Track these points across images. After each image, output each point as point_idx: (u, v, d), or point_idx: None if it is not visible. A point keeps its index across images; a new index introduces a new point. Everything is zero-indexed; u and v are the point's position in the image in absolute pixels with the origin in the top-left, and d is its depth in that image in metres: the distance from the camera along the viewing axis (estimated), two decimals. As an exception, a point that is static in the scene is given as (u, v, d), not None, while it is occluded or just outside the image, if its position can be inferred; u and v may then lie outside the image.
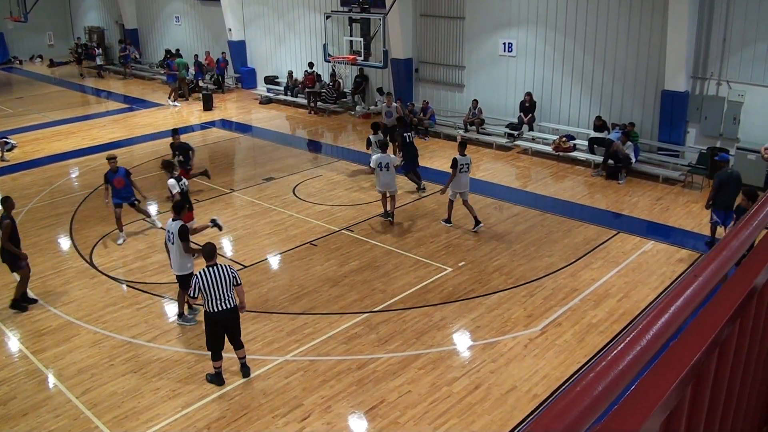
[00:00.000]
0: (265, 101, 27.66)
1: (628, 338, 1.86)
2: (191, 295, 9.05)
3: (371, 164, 14.85)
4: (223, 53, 30.16)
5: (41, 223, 15.68)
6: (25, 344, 10.73)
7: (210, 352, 9.38)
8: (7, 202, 11.71)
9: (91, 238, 14.58)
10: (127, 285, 12.54)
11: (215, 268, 9.06)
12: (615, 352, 1.84)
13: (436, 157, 19.68)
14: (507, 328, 10.62)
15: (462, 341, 10.37)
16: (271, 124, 24.31)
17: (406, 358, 9.93)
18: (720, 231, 13.00)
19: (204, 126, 24.42)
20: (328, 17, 22.40)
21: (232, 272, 9.11)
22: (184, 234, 10.45)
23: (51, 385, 9.70)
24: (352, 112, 25.11)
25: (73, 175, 19.42)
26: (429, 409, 8.76)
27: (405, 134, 16.71)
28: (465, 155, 14.25)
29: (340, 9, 23.74)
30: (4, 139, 21.70)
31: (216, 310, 9.02)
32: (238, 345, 9.47)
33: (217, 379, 9.42)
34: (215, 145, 22.24)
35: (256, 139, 22.75)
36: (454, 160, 14.01)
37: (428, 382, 9.30)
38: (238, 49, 29.94)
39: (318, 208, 15.87)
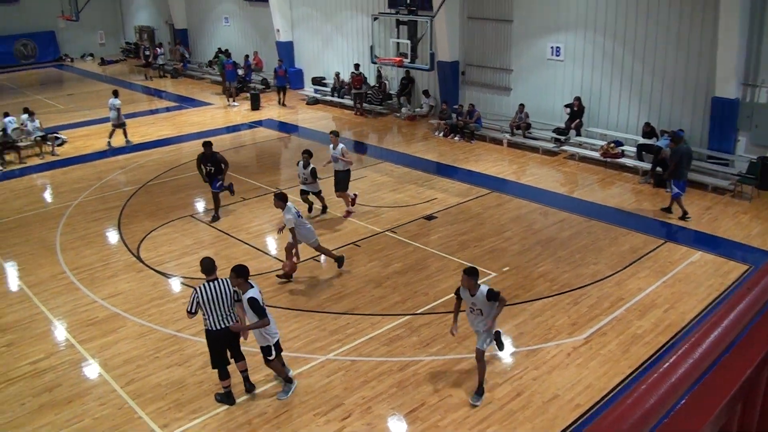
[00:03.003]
0: (312, 102, 27.83)
1: (680, 351, 1.80)
2: (188, 310, 8.56)
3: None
4: (254, 52, 30.85)
5: (90, 217, 15.98)
6: (72, 334, 10.95)
7: (216, 371, 8.98)
8: None
9: (139, 232, 14.81)
10: (177, 280, 12.70)
11: (215, 282, 8.63)
12: (666, 365, 1.77)
13: (481, 160, 19.56)
14: (550, 336, 10.48)
15: (504, 347, 10.26)
16: (317, 124, 24.44)
17: (448, 362, 9.86)
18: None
19: (251, 125, 24.65)
20: (375, 19, 22.42)
21: (233, 289, 8.69)
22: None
23: (96, 375, 9.88)
24: (398, 114, 25.11)
25: (121, 171, 19.76)
26: (470, 414, 8.68)
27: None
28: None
29: (387, 11, 23.77)
30: (55, 135, 22.20)
31: (217, 327, 8.60)
32: (238, 357, 9.08)
33: (227, 398, 9.03)
34: (262, 145, 22.45)
35: (302, 139, 22.89)
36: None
37: (469, 387, 9.21)
38: (286, 49, 30.19)
39: (362, 208, 15.87)
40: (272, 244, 14.25)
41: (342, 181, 15.37)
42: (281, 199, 11.89)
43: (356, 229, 14.77)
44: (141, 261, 13.51)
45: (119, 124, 22.18)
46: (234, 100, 28.15)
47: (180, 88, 32.22)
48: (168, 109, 27.69)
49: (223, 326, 8.60)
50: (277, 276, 12.51)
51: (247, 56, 31.45)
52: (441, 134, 22.37)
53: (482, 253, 13.41)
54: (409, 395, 9.09)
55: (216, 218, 15.44)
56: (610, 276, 12.38)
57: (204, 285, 8.59)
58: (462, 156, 20.10)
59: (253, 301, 8.41)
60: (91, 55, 42.55)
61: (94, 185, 18.31)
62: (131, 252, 13.95)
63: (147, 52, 36.09)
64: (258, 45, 32.23)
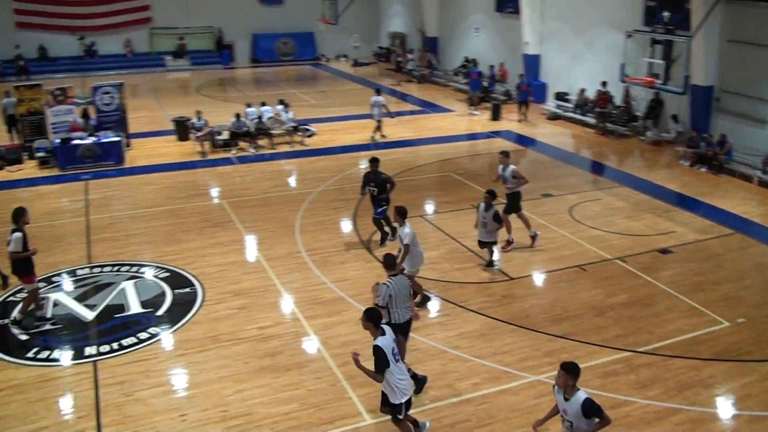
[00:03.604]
0: (553, 117, 27.37)
1: None
2: (379, 303, 8.87)
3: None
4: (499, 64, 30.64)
5: (330, 205, 17.02)
6: (300, 308, 11.78)
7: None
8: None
9: (371, 226, 15.42)
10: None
11: (397, 277, 9.17)
12: None
13: (727, 197, 17.98)
14: (784, 403, 9.35)
15: (726, 407, 9.32)
16: (555, 140, 23.98)
17: (665, 409, 9.16)
18: None
19: (489, 135, 24.78)
20: (629, 36, 21.52)
21: (408, 283, 9.16)
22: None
23: (315, 350, 10.56)
24: (642, 138, 23.86)
25: (363, 167, 20.75)
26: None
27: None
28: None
29: (642, 28, 22.68)
30: (305, 126, 23.88)
31: (403, 320, 9.14)
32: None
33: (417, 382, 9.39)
34: (497, 155, 22.40)
35: (538, 153, 22.59)
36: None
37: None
38: (533, 63, 29.97)
39: (593, 232, 15.30)
40: (494, 254, 14.17)
41: (512, 203, 14.38)
42: (401, 215, 11.34)
43: (584, 252, 14.26)
44: (370, 252, 14.13)
45: (381, 120, 23.53)
46: (475, 109, 28.48)
47: (425, 93, 33.24)
48: (412, 113, 28.66)
49: (405, 319, 9.16)
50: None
51: (492, 66, 31.66)
52: (687, 163, 20.89)
53: (717, 299, 12.30)
54: (619, 435, 8.58)
55: (385, 240, 14.54)
56: None
57: (392, 280, 9.05)
58: (707, 189, 18.63)
59: (376, 350, 7.72)
60: (345, 56, 45.34)
61: (336, 176, 19.46)
62: (362, 243, 14.63)
63: (399, 58, 37.58)
64: (504, 56, 32.32)
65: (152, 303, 12.09)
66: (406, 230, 11.14)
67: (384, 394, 7.99)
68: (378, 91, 24.11)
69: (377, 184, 13.90)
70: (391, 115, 24.23)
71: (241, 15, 42.75)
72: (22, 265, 11.04)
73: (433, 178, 19.60)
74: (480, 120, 27.29)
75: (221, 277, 13.05)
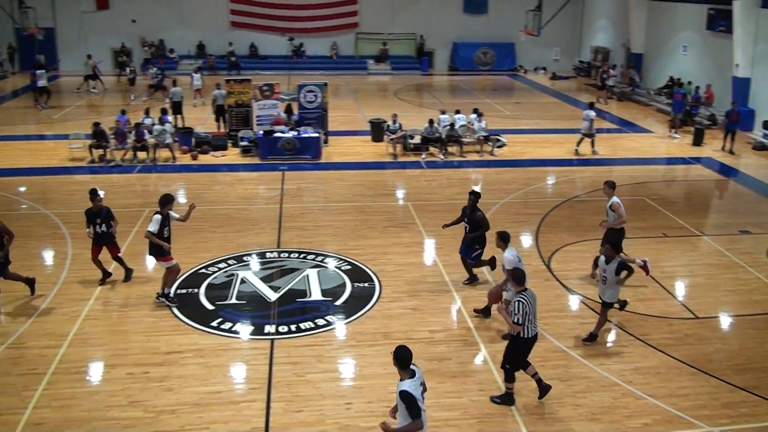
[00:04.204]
0: (759, 147, 25.14)
1: None
2: (516, 321, 8.86)
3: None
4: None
5: (512, 218, 16.77)
6: (472, 318, 11.71)
7: (504, 372, 9.37)
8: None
9: (554, 243, 15.05)
10: (578, 298, 12.65)
11: (528, 292, 9.09)
12: None
13: None
14: None
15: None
16: (760, 172, 21.97)
17: None
18: None
19: (688, 161, 23.25)
20: None
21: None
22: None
23: (482, 361, 10.47)
24: None
25: (550, 182, 20.30)
26: None
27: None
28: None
29: None
30: (497, 137, 23.71)
31: (531, 334, 9.10)
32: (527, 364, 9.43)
33: (508, 399, 9.40)
34: (695, 183, 21.04)
35: (740, 185, 20.86)
36: None
37: None
38: (741, 86, 27.71)
39: (798, 276, 13.88)
40: (681, 289, 13.27)
41: (608, 240, 12.43)
42: (503, 240, 11.01)
43: (786, 296, 12.94)
44: (550, 270, 13.74)
45: (589, 134, 23.10)
46: (676, 132, 26.84)
47: (624, 111, 31.84)
48: (608, 131, 27.52)
49: (533, 334, 9.11)
50: (475, 310, 11.89)
51: (697, 88, 29.68)
52: None
53: None
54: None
55: (471, 280, 13.12)
56: None
57: (524, 295, 8.98)
58: None
59: (406, 397, 6.90)
60: (544, 69, 44.55)
61: (522, 189, 19.16)
62: (542, 260, 14.28)
63: (604, 74, 36.19)
64: (712, 78, 30.15)
65: (332, 292, 12.55)
66: (507, 256, 10.80)
67: None
68: (591, 105, 23.69)
69: (470, 222, 12.59)
70: (591, 134, 23.43)
71: (444, 23, 43.38)
72: (157, 246, 11.79)
73: (625, 202, 18.43)
74: (680, 144, 25.64)
75: (399, 276, 13.28)
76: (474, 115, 23.86)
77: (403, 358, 7.03)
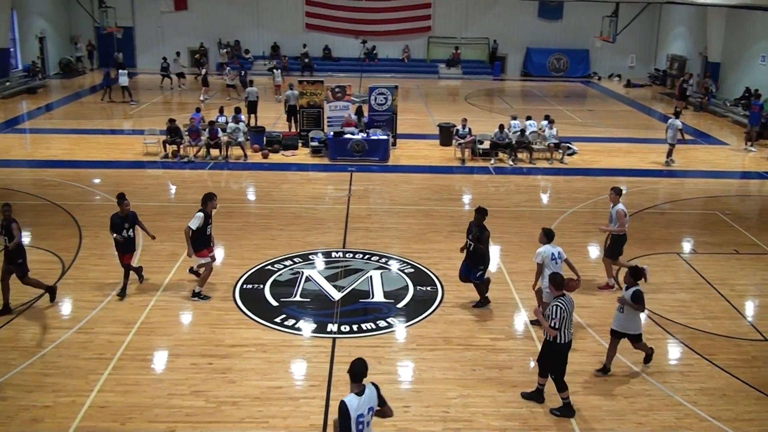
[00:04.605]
0: None
1: None
2: (553, 326, 8.81)
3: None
4: None
5: (581, 228, 16.51)
6: (534, 327, 11.52)
7: (555, 384, 9.22)
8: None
9: (623, 255, 14.59)
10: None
11: (566, 297, 9.03)
12: None
13: None
14: None
15: None
16: None
17: None
18: None
19: (764, 176, 22.36)
20: None
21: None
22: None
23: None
24: None
25: (624, 192, 19.82)
26: None
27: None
28: None
29: None
30: (567, 144, 23.31)
31: (567, 340, 9.04)
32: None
33: (567, 410, 9.21)
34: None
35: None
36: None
37: None
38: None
39: None
40: (751, 309, 12.78)
41: (610, 246, 13.37)
42: (547, 236, 11.25)
43: None
44: (618, 283, 13.38)
45: (672, 144, 22.62)
46: (752, 145, 25.85)
47: (699, 122, 30.88)
48: (683, 142, 26.69)
49: (569, 339, 9.06)
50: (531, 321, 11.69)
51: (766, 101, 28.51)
52: None
53: None
54: None
55: (483, 305, 12.39)
56: None
57: (562, 300, 8.92)
58: None
59: (340, 408, 6.62)
60: (618, 76, 43.58)
61: (592, 199, 18.78)
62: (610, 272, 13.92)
63: (685, 85, 35.07)
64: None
65: (394, 295, 12.58)
66: (539, 250, 11.15)
67: None
68: (677, 114, 23.20)
69: (476, 240, 11.80)
70: (684, 141, 22.91)
71: (518, 28, 43.00)
72: (196, 242, 12.00)
73: (696, 215, 18.13)
74: (756, 158, 24.67)
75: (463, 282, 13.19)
76: (545, 122, 23.56)
77: (354, 372, 6.74)
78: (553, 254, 11.02)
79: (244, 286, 12.78)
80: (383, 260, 14.12)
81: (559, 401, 9.27)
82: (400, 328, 11.46)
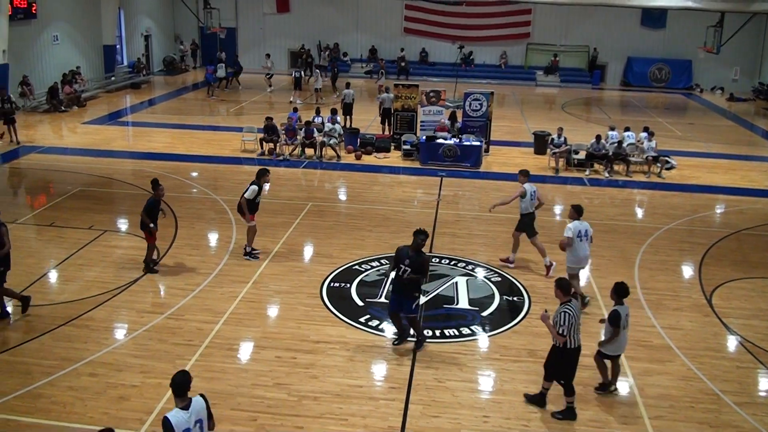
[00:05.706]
0: None
1: None
2: (562, 333, 8.76)
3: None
4: None
5: (676, 245, 15.93)
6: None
7: (564, 388, 9.24)
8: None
9: (718, 277, 14.09)
10: (736, 339, 11.81)
11: (572, 303, 8.97)
12: None
13: None
14: None
15: None
16: None
17: None
18: None
19: None
20: None
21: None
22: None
23: (627, 393, 9.99)
24: None
25: (719, 211, 19.08)
26: None
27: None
28: None
29: None
30: (666, 158, 22.51)
31: (577, 345, 9.01)
32: None
33: (570, 414, 9.25)
34: None
35: None
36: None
37: None
38: None
39: None
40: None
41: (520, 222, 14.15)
42: (577, 212, 12.19)
43: None
44: (710, 306, 12.88)
45: None
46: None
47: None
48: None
49: (578, 344, 9.04)
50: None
51: None
52: None
53: None
54: None
55: (420, 344, 11.18)
56: None
57: (570, 306, 8.88)
58: None
59: (163, 425, 6.29)
60: (721, 89, 41.77)
61: (688, 216, 18.11)
62: (704, 293, 13.41)
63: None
64: None
65: (479, 302, 12.54)
66: (570, 225, 11.94)
67: None
68: None
69: (412, 265, 10.26)
70: None
71: (619, 36, 41.87)
72: (247, 208, 13.56)
73: (755, 237, 17.19)
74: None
75: (550, 293, 12.87)
76: (644, 134, 22.88)
77: (175, 383, 6.45)
78: (580, 231, 11.82)
79: (332, 284, 13.02)
80: (470, 267, 14.08)
81: (561, 405, 9.28)
82: (483, 337, 11.41)
